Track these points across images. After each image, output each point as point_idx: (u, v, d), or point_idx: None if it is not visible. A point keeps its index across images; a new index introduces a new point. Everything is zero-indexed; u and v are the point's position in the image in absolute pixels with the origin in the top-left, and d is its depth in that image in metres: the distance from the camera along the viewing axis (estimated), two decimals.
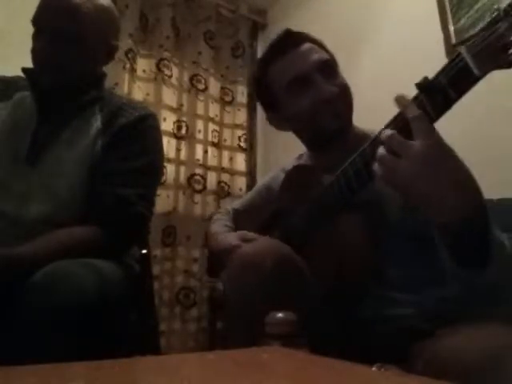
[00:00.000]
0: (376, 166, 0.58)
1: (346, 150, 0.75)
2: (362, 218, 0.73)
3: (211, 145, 2.58)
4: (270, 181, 1.06)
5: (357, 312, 0.72)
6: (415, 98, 0.57)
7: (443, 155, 0.54)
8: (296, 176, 0.92)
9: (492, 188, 0.78)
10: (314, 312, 0.63)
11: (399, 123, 0.58)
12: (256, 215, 1.03)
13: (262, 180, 1.13)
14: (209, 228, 1.06)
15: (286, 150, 1.15)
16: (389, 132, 0.57)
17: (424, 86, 0.56)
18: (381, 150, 0.57)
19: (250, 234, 0.87)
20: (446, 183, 0.52)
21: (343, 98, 0.85)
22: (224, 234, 0.96)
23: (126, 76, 2.26)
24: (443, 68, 0.55)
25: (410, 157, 0.53)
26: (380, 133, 0.60)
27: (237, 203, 1.17)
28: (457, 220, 0.53)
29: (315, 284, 0.70)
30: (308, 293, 0.68)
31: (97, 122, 0.97)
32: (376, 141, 0.62)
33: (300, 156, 1.03)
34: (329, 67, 0.86)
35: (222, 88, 2.70)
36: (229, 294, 0.69)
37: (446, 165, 0.53)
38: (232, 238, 0.89)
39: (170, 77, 2.45)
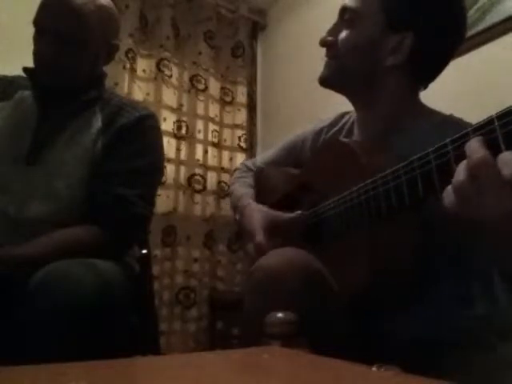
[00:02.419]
0: (449, 194, 0.45)
1: (402, 129, 0.71)
2: (412, 220, 0.61)
3: (211, 145, 2.58)
4: (299, 140, 0.98)
5: (375, 325, 0.66)
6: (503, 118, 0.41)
7: None
8: (332, 152, 0.81)
9: None
10: (317, 313, 0.59)
11: (488, 137, 0.43)
12: (281, 179, 0.96)
13: (290, 138, 1.04)
14: (231, 187, 1.04)
15: None
16: (481, 153, 0.42)
17: None
18: (461, 175, 0.43)
19: (276, 221, 0.83)
20: None
21: (331, 52, 0.80)
22: (248, 207, 0.90)
23: (126, 76, 2.27)
24: None
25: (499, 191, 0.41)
26: (464, 137, 0.46)
27: (260, 159, 1.10)
28: None
29: (344, 302, 0.63)
30: (337, 314, 0.62)
31: (97, 122, 0.97)
32: (450, 147, 0.48)
33: (342, 115, 0.93)
34: (347, 16, 0.78)
35: (222, 88, 2.70)
36: (249, 311, 0.63)
37: None
38: (257, 221, 0.83)
39: (170, 77, 2.45)
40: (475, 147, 0.42)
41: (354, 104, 0.85)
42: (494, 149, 0.42)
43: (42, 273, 0.71)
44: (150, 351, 1.09)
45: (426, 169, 0.51)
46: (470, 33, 1.60)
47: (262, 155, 1.13)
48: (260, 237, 0.80)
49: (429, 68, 0.77)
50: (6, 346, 0.69)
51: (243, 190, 1.00)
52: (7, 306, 0.72)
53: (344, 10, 0.79)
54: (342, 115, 0.93)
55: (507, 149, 0.41)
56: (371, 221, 0.63)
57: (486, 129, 0.44)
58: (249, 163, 1.11)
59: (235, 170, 1.13)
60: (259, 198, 0.99)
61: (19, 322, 0.70)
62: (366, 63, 0.76)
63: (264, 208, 0.89)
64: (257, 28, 2.91)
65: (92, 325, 0.69)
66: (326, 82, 0.82)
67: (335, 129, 0.92)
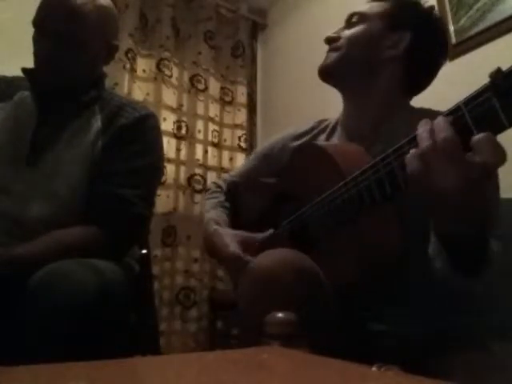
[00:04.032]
0: (412, 160, 0.49)
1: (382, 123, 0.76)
2: (393, 212, 0.65)
3: (211, 145, 2.58)
4: (276, 147, 0.98)
5: (365, 322, 0.68)
6: (481, 94, 0.45)
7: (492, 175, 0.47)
8: (306, 156, 0.82)
9: None
10: (311, 310, 0.60)
11: (459, 123, 0.47)
12: (256, 191, 0.96)
13: (260, 148, 1.06)
14: (204, 213, 0.97)
15: None
16: (448, 133, 0.47)
17: (497, 82, 0.43)
18: (425, 142, 0.48)
19: (249, 238, 0.81)
20: (477, 201, 0.48)
21: (334, 45, 0.86)
22: (219, 231, 0.85)
23: (126, 76, 2.26)
24: None
25: (460, 170, 0.45)
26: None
27: (233, 173, 1.09)
28: (461, 232, 0.51)
29: (336, 299, 0.64)
30: (332, 310, 0.62)
31: (97, 122, 0.97)
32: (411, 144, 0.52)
33: (321, 121, 0.96)
34: (354, 19, 0.87)
35: (222, 88, 2.70)
36: (244, 312, 0.63)
37: (489, 185, 0.48)
38: (230, 241, 0.80)
39: (170, 77, 2.45)
40: (442, 125, 0.47)
41: (346, 97, 0.89)
42: (466, 132, 0.46)
43: (42, 273, 0.71)
44: (149, 351, 1.09)
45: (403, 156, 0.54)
46: (470, 33, 1.60)
47: (236, 170, 1.11)
48: (234, 248, 0.78)
49: (420, 69, 0.85)
50: (6, 346, 0.69)
51: (209, 215, 0.95)
52: (7, 305, 0.72)
53: (352, 14, 0.87)
54: (321, 121, 0.96)
55: (478, 130, 0.45)
56: (351, 217, 0.66)
57: (454, 115, 0.48)
58: (219, 181, 1.09)
59: (206, 191, 1.09)
60: (237, 213, 0.98)
61: (19, 322, 0.70)
62: (365, 54, 0.83)
63: (233, 231, 0.86)
64: (257, 28, 2.91)
65: (92, 325, 0.69)
66: (324, 70, 0.87)
67: (314, 132, 0.93)
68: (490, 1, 1.54)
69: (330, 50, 0.86)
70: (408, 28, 0.81)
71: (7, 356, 0.63)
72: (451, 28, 1.66)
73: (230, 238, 0.81)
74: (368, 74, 0.83)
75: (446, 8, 1.68)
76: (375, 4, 0.87)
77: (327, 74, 0.86)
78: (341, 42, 0.84)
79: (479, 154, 0.44)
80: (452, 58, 1.64)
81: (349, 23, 0.87)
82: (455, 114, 0.48)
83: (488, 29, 1.53)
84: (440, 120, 0.48)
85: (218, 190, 1.04)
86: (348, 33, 0.84)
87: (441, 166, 0.46)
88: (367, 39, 0.82)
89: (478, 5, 1.58)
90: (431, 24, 0.84)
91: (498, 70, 0.44)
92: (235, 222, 0.97)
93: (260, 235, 0.83)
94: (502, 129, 0.44)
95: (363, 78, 0.83)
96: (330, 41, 0.87)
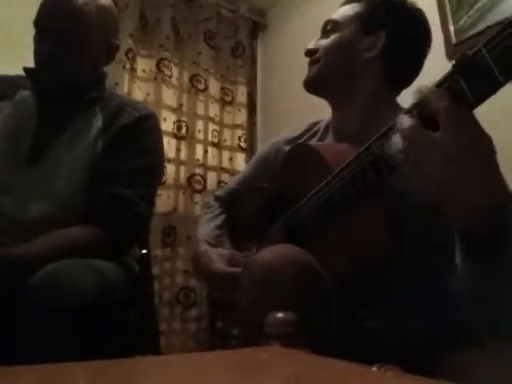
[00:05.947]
0: (401, 156, 0.50)
1: (371, 121, 0.75)
2: (384, 207, 0.65)
3: (211, 145, 2.58)
4: (271, 151, 0.99)
5: (364, 321, 0.68)
6: (449, 77, 0.47)
7: (474, 153, 0.46)
8: (299, 157, 0.83)
9: None
10: (311, 304, 0.59)
11: (422, 110, 0.50)
12: (254, 196, 0.97)
13: (258, 153, 1.07)
14: (195, 232, 0.99)
15: None
16: (407, 121, 0.50)
17: (462, 63, 0.46)
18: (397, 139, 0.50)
19: (237, 257, 0.82)
20: (473, 187, 0.46)
21: (313, 57, 0.86)
22: (207, 251, 0.86)
23: (126, 76, 2.27)
24: (488, 41, 0.43)
25: (435, 152, 0.46)
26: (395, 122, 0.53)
27: (233, 181, 1.10)
28: (480, 226, 0.49)
29: (336, 295, 0.64)
30: (331, 309, 0.62)
31: (97, 122, 0.97)
32: (391, 131, 0.55)
33: (314, 123, 0.97)
34: (329, 27, 0.87)
35: (222, 88, 2.70)
36: (244, 308, 0.62)
37: (475, 164, 0.46)
38: (216, 259, 0.81)
39: (170, 77, 2.45)
40: (403, 118, 0.50)
41: (333, 104, 0.90)
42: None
43: (42, 273, 0.71)
44: (149, 351, 1.09)
45: (372, 157, 0.58)
46: (470, 33, 1.60)
47: (235, 178, 1.12)
48: (220, 266, 0.80)
49: (403, 63, 0.84)
50: (6, 346, 0.70)
51: (200, 234, 0.97)
52: (7, 305, 0.72)
53: (327, 22, 0.88)
54: (314, 124, 0.97)
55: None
56: (343, 208, 0.67)
57: (416, 109, 0.51)
58: (218, 193, 1.10)
59: (205, 205, 1.10)
60: (237, 222, 0.98)
61: (19, 322, 0.70)
62: (343, 61, 0.83)
63: (220, 250, 0.88)
64: (257, 28, 2.91)
65: (92, 325, 0.69)
66: (308, 83, 0.88)
67: (306, 136, 0.94)
68: (489, 1, 1.54)
69: (310, 63, 0.87)
70: (382, 27, 0.82)
71: (7, 356, 0.63)
72: (451, 28, 1.66)
73: (217, 257, 0.83)
74: (349, 79, 0.83)
75: (446, 8, 1.68)
76: (347, 8, 0.87)
77: (311, 86, 0.88)
78: (319, 54, 0.85)
79: (443, 127, 0.46)
80: (452, 58, 1.64)
81: (324, 31, 0.87)
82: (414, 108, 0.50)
83: (488, 29, 1.53)
84: (400, 117, 0.51)
85: (215, 203, 1.05)
86: (324, 43, 0.85)
87: (416, 155, 0.48)
88: (343, 46, 0.83)
89: (478, 5, 1.58)
90: (405, 16, 0.83)
91: (463, 53, 0.46)
92: (235, 231, 0.98)
93: (246, 255, 0.85)
94: (472, 107, 0.46)
95: (345, 85, 0.84)
96: (309, 53, 0.87)
